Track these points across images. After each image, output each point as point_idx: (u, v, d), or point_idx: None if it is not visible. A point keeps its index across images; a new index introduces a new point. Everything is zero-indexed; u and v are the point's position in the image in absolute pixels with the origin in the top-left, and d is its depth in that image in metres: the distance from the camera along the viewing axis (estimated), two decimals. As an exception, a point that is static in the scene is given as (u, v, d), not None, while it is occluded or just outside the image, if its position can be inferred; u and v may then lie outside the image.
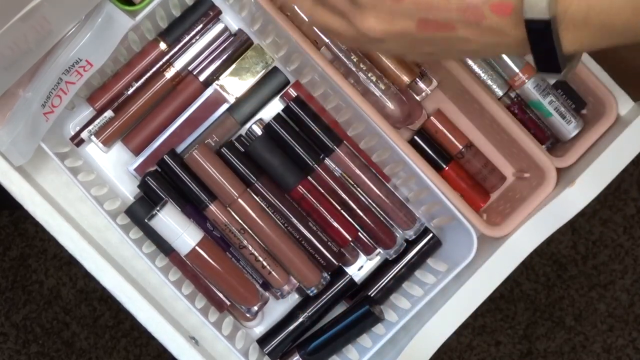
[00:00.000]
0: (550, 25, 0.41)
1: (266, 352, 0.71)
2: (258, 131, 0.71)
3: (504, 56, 0.71)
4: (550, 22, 0.41)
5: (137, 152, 0.71)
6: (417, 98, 0.73)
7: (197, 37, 0.70)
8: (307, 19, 0.66)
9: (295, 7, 0.67)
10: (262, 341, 0.71)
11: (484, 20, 0.43)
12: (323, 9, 0.50)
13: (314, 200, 0.68)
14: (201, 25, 0.70)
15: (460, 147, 0.73)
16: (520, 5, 0.42)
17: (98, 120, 0.70)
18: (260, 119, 0.72)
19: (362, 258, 0.73)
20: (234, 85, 0.71)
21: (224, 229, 0.68)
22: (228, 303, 0.70)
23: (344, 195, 0.69)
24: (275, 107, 0.73)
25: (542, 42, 0.42)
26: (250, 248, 0.68)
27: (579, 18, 0.41)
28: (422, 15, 0.45)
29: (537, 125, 0.73)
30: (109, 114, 0.70)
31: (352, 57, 0.70)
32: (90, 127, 0.70)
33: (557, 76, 0.45)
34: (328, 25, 0.50)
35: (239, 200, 0.67)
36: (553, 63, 0.44)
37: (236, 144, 0.70)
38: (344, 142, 0.69)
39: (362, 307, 0.69)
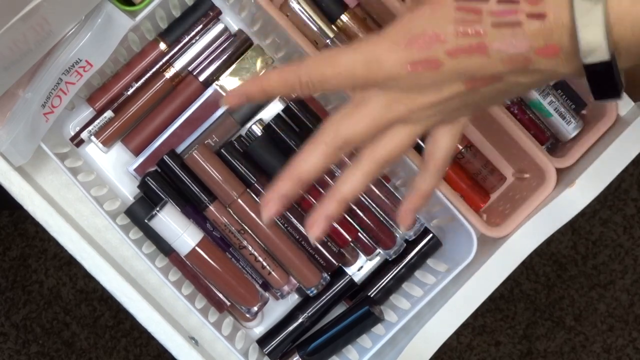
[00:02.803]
0: (612, 62, 0.38)
1: (266, 352, 0.71)
2: (258, 131, 0.71)
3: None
4: (611, 61, 0.38)
5: (137, 152, 0.71)
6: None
7: (197, 38, 0.70)
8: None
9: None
10: (262, 341, 0.71)
11: (531, 64, 0.41)
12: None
13: (314, 201, 0.68)
14: (201, 26, 0.70)
15: (460, 147, 0.73)
16: (569, 44, 0.39)
17: (98, 121, 0.70)
18: (260, 119, 0.72)
19: (362, 258, 0.73)
20: (234, 85, 0.71)
21: (223, 230, 0.68)
22: (228, 303, 0.70)
23: (343, 196, 0.68)
24: (275, 107, 0.73)
25: (603, 79, 0.40)
26: (250, 248, 0.68)
27: (633, 43, 0.39)
28: (468, 77, 0.43)
29: (537, 125, 0.73)
30: (108, 114, 0.70)
31: (352, 58, 0.70)
32: (90, 128, 0.70)
33: (615, 99, 0.43)
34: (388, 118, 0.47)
35: (239, 200, 0.67)
36: (612, 91, 0.41)
37: (236, 144, 0.70)
38: (344, 142, 0.69)
39: (362, 308, 0.69)
